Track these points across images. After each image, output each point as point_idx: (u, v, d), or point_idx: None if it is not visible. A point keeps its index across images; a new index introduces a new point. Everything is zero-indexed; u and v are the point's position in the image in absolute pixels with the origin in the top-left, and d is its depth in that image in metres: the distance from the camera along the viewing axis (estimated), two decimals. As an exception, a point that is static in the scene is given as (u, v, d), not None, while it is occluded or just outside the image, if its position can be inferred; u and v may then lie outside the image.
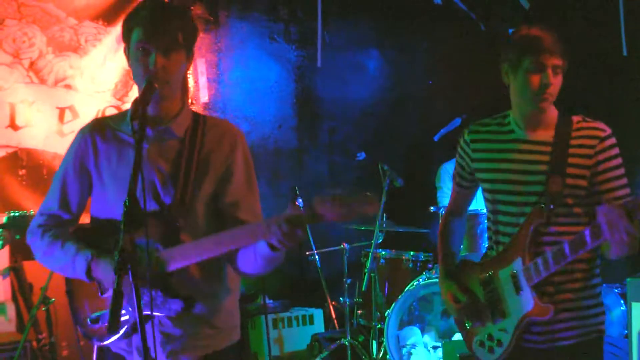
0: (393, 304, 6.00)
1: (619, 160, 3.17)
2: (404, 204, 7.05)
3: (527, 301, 3.15)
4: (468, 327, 3.42)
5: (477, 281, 3.36)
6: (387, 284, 6.42)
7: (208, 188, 2.93)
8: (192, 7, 7.34)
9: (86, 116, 6.52)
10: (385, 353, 6.08)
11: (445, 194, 6.57)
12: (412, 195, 7.07)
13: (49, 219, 3.05)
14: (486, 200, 3.37)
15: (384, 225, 6.49)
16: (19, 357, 5.22)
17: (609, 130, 3.18)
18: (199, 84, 7.49)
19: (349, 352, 6.31)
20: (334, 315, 7.28)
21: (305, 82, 8.20)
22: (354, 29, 8.26)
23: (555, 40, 3.11)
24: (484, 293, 3.32)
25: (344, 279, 6.51)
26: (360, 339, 6.58)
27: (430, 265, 6.35)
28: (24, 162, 6.35)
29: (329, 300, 7.28)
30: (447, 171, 6.78)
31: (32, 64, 6.43)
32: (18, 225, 5.41)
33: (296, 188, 6.70)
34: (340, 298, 6.54)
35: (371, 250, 6.28)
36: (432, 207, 6.22)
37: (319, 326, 7.28)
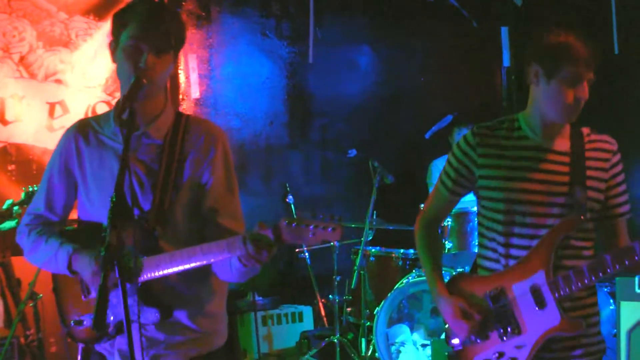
0: (382, 302, 6.00)
1: (624, 176, 3.15)
2: (394, 201, 7.05)
3: (552, 316, 2.99)
4: (467, 345, 3.18)
5: (480, 296, 3.14)
6: (376, 281, 6.42)
7: (187, 193, 2.91)
8: (183, 3, 7.33)
9: (76, 111, 6.50)
10: (374, 351, 6.08)
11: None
12: (403, 193, 7.07)
13: (35, 218, 3.05)
14: (492, 210, 3.15)
15: (374, 222, 6.49)
16: (6, 352, 5.20)
17: (616, 144, 3.15)
18: (190, 80, 7.47)
19: (338, 349, 6.30)
20: (323, 313, 7.28)
21: (297, 78, 8.18)
22: (347, 26, 8.24)
23: (594, 53, 2.99)
24: (492, 309, 3.11)
25: (334, 277, 6.51)
26: (349, 337, 6.58)
27: (420, 263, 6.35)
28: (13, 157, 6.32)
29: (319, 298, 7.29)
30: (437, 168, 6.80)
31: (22, 58, 6.40)
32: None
33: (287, 185, 6.70)
34: (330, 295, 6.54)
35: (361, 247, 6.28)
36: (422, 205, 6.20)
37: (308, 323, 7.27)
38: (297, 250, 7.04)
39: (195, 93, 7.50)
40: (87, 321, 2.92)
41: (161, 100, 2.94)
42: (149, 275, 2.76)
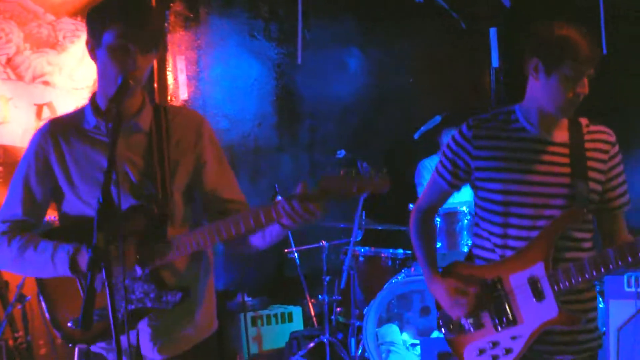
0: (371, 302, 6.00)
1: (622, 167, 3.15)
2: (383, 202, 7.04)
3: (550, 308, 2.98)
4: (460, 334, 3.18)
5: (476, 283, 3.14)
6: (366, 281, 6.42)
7: (183, 177, 2.94)
8: (172, 4, 7.31)
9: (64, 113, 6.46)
10: (363, 351, 6.08)
11: (425, 191, 6.57)
12: (392, 193, 7.05)
13: (13, 225, 2.97)
14: (489, 201, 3.13)
15: (363, 222, 6.49)
16: (-5, 355, 5.19)
17: (614, 136, 3.15)
18: (179, 82, 7.46)
19: (328, 349, 6.30)
20: (312, 313, 7.27)
21: (286, 79, 8.18)
22: (335, 27, 8.24)
23: (596, 49, 2.99)
24: (488, 294, 3.11)
25: (323, 277, 6.51)
26: (338, 337, 6.58)
27: (409, 263, 6.36)
28: (0, 159, 6.29)
29: (308, 298, 7.28)
30: (426, 167, 6.79)
31: (9, 60, 6.37)
32: None
33: (276, 186, 6.69)
34: (319, 296, 6.54)
35: (350, 247, 6.28)
36: (411, 205, 6.21)
37: (297, 324, 7.27)
38: (286, 250, 7.03)
39: (184, 94, 7.49)
40: None
41: (140, 93, 2.95)
42: (180, 253, 2.80)
